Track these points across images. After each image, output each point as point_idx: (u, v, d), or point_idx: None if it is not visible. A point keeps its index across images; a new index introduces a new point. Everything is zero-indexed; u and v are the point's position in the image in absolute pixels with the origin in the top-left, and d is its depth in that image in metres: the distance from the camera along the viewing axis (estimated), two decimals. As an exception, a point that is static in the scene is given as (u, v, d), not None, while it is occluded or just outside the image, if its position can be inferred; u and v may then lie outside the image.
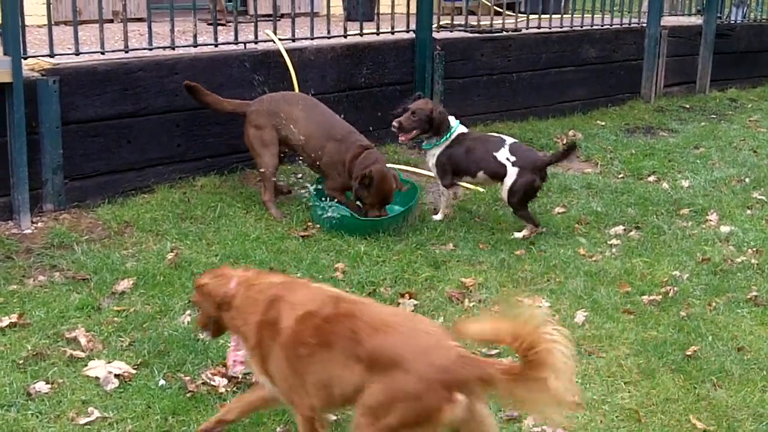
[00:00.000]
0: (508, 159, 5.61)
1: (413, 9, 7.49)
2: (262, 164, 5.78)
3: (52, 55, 5.62)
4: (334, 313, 2.95)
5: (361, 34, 7.25)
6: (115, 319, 4.27)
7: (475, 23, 8.33)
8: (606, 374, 4.01)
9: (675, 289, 4.90)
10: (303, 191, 6.01)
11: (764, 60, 11.35)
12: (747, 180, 7.08)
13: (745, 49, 11.00)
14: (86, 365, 3.84)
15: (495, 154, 5.63)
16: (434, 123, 5.66)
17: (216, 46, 6.41)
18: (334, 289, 3.22)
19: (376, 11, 7.60)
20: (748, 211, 6.35)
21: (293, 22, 6.85)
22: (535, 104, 8.54)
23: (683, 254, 5.46)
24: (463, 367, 2.76)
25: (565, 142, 7.92)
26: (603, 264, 5.25)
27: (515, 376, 2.72)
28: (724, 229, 5.92)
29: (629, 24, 9.57)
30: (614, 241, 5.64)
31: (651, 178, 7.09)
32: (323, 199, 5.67)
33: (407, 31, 7.52)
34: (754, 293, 4.90)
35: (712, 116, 9.50)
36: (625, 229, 5.86)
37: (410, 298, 4.63)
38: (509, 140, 5.77)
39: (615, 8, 9.54)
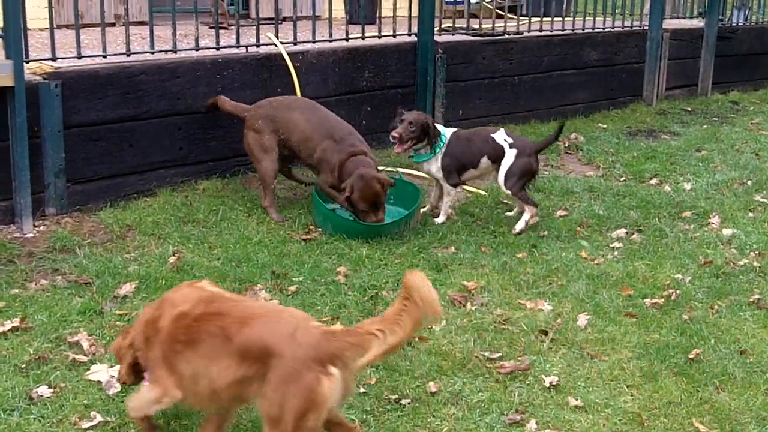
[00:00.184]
0: (505, 140, 5.86)
1: (415, 12, 7.50)
2: (262, 169, 5.79)
3: (54, 59, 5.63)
4: (204, 312, 3.08)
5: (363, 38, 7.26)
6: (118, 323, 4.27)
7: (477, 26, 8.34)
8: (608, 377, 4.01)
9: (677, 292, 4.89)
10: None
11: (766, 62, 11.34)
12: (749, 183, 7.08)
13: (746, 52, 11.00)
14: (88, 369, 3.84)
15: (493, 136, 5.90)
16: (430, 132, 5.78)
17: (218, 49, 6.41)
18: (215, 288, 3.34)
19: (377, 14, 7.60)
20: (750, 214, 6.34)
21: (295, 26, 6.85)
22: (537, 107, 8.54)
23: (685, 257, 5.46)
24: (330, 342, 2.93)
25: (566, 144, 7.93)
26: (605, 267, 5.25)
27: (384, 324, 2.94)
28: (727, 232, 5.92)
29: (631, 27, 9.58)
30: (616, 244, 5.64)
31: (653, 181, 7.09)
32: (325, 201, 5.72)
33: (409, 35, 7.53)
34: (757, 296, 4.90)
35: (714, 119, 9.50)
36: (627, 232, 5.86)
37: (412, 302, 4.62)
38: (502, 129, 6.05)
39: (617, 11, 9.54)
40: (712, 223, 6.10)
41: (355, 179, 5.47)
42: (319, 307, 4.53)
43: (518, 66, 8.33)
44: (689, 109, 9.77)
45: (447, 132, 5.92)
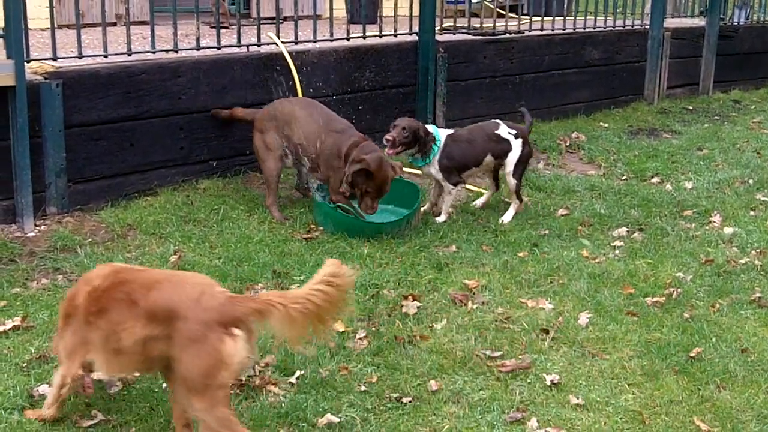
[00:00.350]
0: (509, 133, 5.96)
1: (416, 11, 7.50)
2: (266, 169, 5.83)
3: (55, 59, 5.63)
4: (113, 282, 3.22)
5: (364, 37, 7.26)
6: (119, 321, 4.27)
7: (478, 25, 8.34)
8: (610, 376, 4.01)
9: (678, 290, 4.89)
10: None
11: (767, 61, 11.33)
12: (750, 181, 7.07)
13: (748, 51, 10.99)
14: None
15: (496, 131, 5.96)
16: (420, 138, 5.79)
17: (219, 48, 6.41)
18: (121, 264, 3.50)
19: (378, 14, 7.60)
20: (752, 213, 6.34)
21: (296, 25, 6.85)
22: (538, 106, 8.52)
23: (687, 256, 5.46)
24: (234, 306, 3.09)
25: (567, 144, 7.93)
26: (606, 266, 5.25)
27: (287, 299, 3.09)
28: (728, 230, 5.91)
29: (632, 26, 9.57)
30: (617, 243, 5.64)
31: (654, 180, 7.08)
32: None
33: (410, 34, 7.52)
34: (758, 294, 4.89)
35: (716, 118, 9.50)
36: (628, 231, 5.85)
37: (413, 300, 4.63)
38: (499, 120, 6.14)
39: (618, 10, 9.54)
40: (714, 222, 6.09)
41: (374, 158, 5.51)
42: (320, 306, 4.52)
43: (519, 65, 8.33)
44: (690, 107, 9.77)
45: (441, 135, 5.93)
